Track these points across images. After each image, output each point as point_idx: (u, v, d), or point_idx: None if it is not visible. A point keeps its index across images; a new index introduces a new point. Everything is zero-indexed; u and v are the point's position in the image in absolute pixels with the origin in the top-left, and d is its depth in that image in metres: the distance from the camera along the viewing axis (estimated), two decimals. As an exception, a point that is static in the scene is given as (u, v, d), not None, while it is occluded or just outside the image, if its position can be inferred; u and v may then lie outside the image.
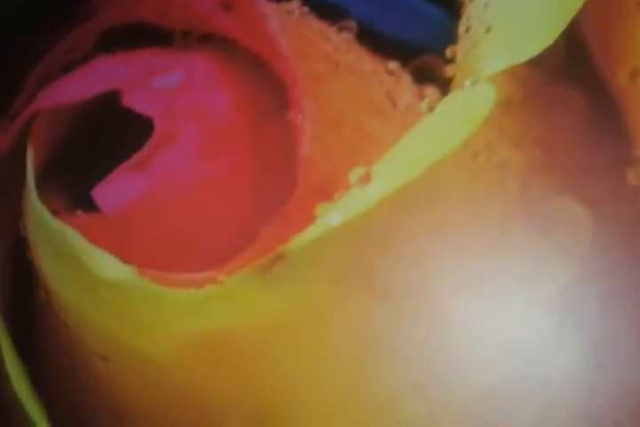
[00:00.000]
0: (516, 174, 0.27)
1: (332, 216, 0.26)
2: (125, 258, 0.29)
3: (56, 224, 0.31)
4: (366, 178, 0.26)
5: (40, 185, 0.32)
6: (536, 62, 0.27)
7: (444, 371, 0.27)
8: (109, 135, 0.33)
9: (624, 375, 0.29)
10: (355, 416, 0.27)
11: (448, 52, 0.28)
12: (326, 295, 0.26)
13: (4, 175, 0.35)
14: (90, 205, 0.31)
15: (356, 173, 0.26)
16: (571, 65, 0.28)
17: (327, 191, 0.26)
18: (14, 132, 0.34)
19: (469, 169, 0.27)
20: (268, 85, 0.29)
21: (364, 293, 0.26)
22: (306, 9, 0.30)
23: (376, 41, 0.30)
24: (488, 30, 0.27)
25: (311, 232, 0.26)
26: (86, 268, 0.29)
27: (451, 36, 0.28)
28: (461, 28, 0.28)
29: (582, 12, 0.26)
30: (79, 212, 0.31)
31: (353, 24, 0.30)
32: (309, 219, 0.26)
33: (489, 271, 0.27)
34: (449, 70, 0.28)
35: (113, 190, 0.30)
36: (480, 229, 0.27)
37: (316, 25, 0.30)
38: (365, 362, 0.27)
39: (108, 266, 0.29)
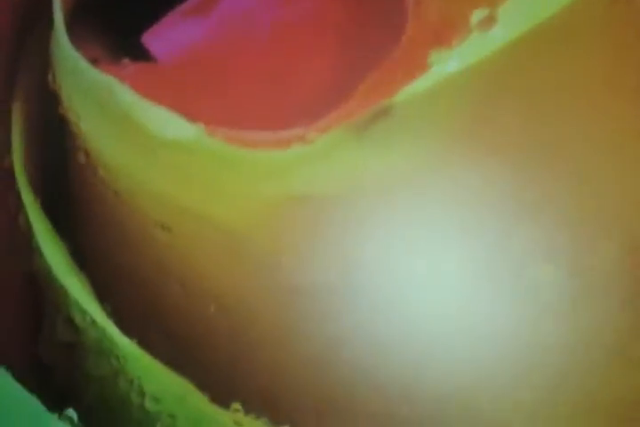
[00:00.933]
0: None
1: (448, 64, 0.22)
2: (189, 115, 0.25)
3: (97, 75, 0.26)
4: (490, 20, 0.22)
5: (72, 28, 0.28)
6: None
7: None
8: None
9: None
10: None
11: None
12: (439, 157, 0.23)
13: (24, 15, 0.30)
14: (138, 54, 0.27)
15: (477, 15, 0.22)
16: None
17: (443, 35, 0.22)
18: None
19: (608, 13, 0.23)
20: None
21: (483, 153, 0.23)
22: None
23: None
24: None
25: (423, 82, 0.22)
26: (140, 126, 0.25)
27: None
28: None
29: None
30: (126, 61, 0.27)
31: None
32: (421, 67, 0.22)
33: (628, 131, 0.24)
34: None
35: (169, 36, 0.26)
36: (619, 83, 0.24)
37: None
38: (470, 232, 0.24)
39: (169, 124, 0.25)
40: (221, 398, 0.25)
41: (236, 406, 0.25)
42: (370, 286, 0.24)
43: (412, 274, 0.24)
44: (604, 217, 0.24)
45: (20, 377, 0.26)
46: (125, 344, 0.26)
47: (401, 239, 0.24)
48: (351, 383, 0.25)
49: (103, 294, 0.27)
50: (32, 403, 0.26)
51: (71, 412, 0.26)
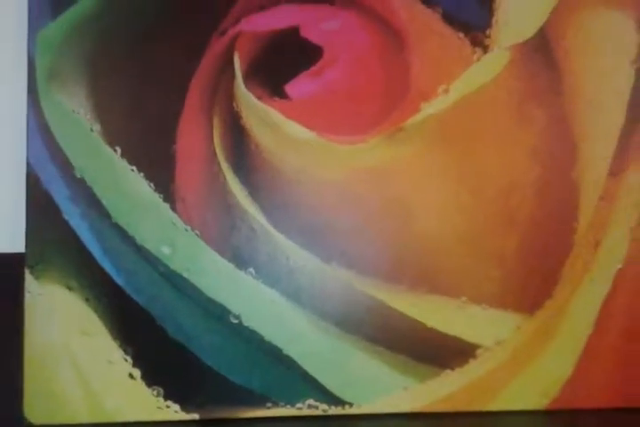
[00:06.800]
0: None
1: (429, 110, 0.51)
2: (309, 126, 0.53)
3: (261, 106, 0.54)
4: (446, 91, 0.50)
5: (246, 80, 0.55)
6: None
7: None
8: (289, 54, 0.55)
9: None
10: (448, 208, 0.53)
11: (487, 32, 0.54)
12: (428, 152, 0.52)
13: (218, 70, 0.57)
14: (283, 95, 0.55)
15: (441, 88, 0.51)
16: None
17: (426, 96, 0.51)
18: (224, 43, 0.56)
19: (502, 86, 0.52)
20: (392, 35, 0.52)
21: (447, 150, 0.52)
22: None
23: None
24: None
25: (417, 117, 0.51)
26: (285, 132, 0.54)
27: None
28: (494, 20, 0.55)
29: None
30: (276, 98, 0.55)
31: (440, 9, 0.54)
32: (417, 110, 0.51)
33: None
34: (488, 42, 0.53)
35: (299, 87, 0.54)
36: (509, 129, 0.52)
37: (420, 6, 0.55)
38: (450, 185, 0.52)
39: (299, 131, 0.53)
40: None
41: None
42: (401, 204, 0.52)
43: (421, 198, 0.52)
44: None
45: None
46: (282, 238, 0.54)
47: (414, 183, 0.52)
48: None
49: (268, 216, 0.55)
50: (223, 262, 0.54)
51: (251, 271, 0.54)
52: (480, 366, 0.55)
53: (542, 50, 0.55)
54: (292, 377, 0.55)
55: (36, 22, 0.56)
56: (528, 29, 0.55)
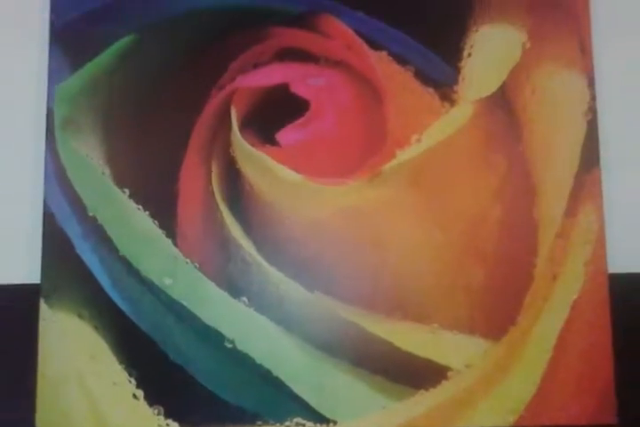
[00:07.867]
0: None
1: (404, 156, 0.57)
2: (297, 170, 0.59)
3: (255, 152, 0.61)
4: (419, 140, 0.57)
5: (241, 129, 0.62)
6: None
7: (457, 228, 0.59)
8: (280, 107, 0.62)
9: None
10: (420, 247, 0.59)
11: (454, 88, 0.61)
12: (402, 193, 0.59)
13: (217, 120, 0.64)
14: (274, 143, 0.61)
15: (414, 137, 0.57)
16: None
17: (400, 144, 0.57)
18: (222, 97, 0.63)
19: (467, 137, 0.58)
20: (371, 91, 0.59)
21: (419, 191, 0.58)
22: (389, 56, 0.61)
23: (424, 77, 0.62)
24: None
25: (393, 163, 0.57)
26: (276, 175, 0.60)
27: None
28: (460, 77, 0.62)
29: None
30: (268, 145, 0.62)
31: (412, 68, 0.61)
32: (393, 156, 0.57)
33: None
34: (455, 96, 0.61)
35: (288, 136, 0.61)
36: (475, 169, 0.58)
37: (395, 65, 0.61)
38: (422, 223, 0.59)
39: (288, 175, 0.60)
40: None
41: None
42: (379, 242, 0.59)
43: (396, 241, 0.58)
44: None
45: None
46: (273, 270, 0.60)
47: (390, 222, 0.59)
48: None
49: (261, 250, 0.61)
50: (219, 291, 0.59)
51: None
52: (451, 386, 0.60)
53: (503, 103, 0.63)
54: (281, 397, 0.60)
55: (54, 76, 0.64)
56: (490, 86, 0.63)
